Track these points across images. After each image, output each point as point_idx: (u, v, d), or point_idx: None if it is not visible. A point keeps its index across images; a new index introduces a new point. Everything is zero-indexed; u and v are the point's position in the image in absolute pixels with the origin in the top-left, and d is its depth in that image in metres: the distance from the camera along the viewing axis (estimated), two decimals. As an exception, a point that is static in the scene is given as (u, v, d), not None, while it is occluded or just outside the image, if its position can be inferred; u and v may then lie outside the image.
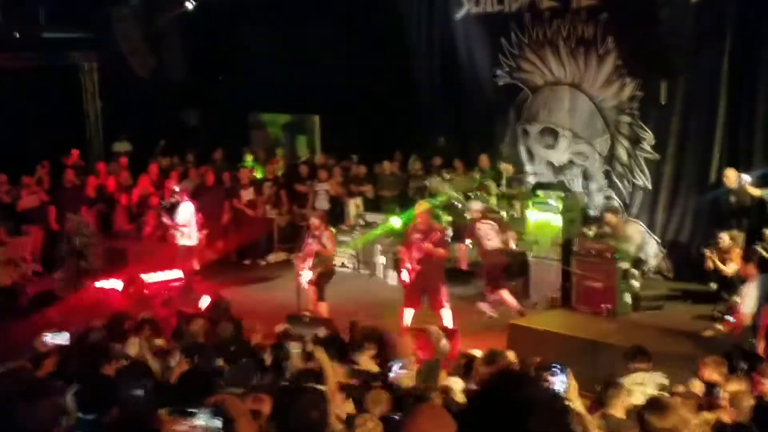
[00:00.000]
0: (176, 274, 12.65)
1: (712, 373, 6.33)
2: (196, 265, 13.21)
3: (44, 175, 14.78)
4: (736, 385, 5.92)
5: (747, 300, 7.98)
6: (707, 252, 10.28)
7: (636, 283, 11.02)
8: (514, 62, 14.03)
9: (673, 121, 12.13)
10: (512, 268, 11.63)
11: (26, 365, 5.85)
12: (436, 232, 10.24)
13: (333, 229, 11.67)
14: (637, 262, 11.71)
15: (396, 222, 12.53)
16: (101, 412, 4.40)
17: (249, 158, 15.99)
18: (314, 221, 10.93)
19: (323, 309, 10.57)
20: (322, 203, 14.53)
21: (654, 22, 11.12)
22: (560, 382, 4.77)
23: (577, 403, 4.84)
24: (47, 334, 6.39)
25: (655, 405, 4.99)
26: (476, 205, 11.28)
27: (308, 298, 10.65)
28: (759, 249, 9.20)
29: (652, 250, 12.46)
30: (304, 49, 16.27)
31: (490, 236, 10.91)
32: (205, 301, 10.23)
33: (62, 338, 6.30)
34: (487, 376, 6.20)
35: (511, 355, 7.13)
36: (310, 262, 10.65)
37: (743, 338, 7.99)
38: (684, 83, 11.89)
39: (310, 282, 10.66)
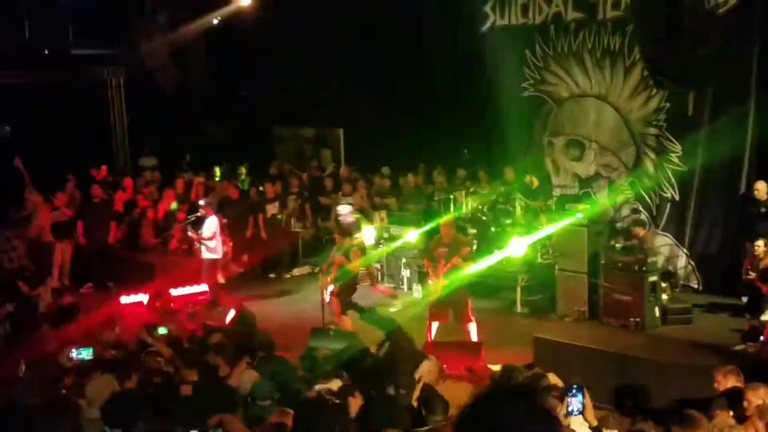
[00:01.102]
0: (202, 287, 12.71)
1: (726, 381, 6.22)
2: (222, 279, 13.27)
3: (72, 190, 14.90)
4: (762, 396, 5.81)
5: None
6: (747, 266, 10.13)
7: (664, 296, 10.87)
8: (539, 74, 13.98)
9: (700, 132, 11.99)
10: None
11: (49, 379, 5.89)
12: (464, 245, 10.21)
13: (357, 243, 11.67)
14: (666, 275, 11.58)
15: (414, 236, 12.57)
16: (127, 427, 4.40)
17: (217, 171, 16.29)
18: (339, 234, 10.98)
19: (347, 322, 10.55)
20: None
21: (681, 32, 11.03)
22: (577, 402, 4.72)
23: (593, 424, 4.77)
24: (72, 349, 6.42)
25: (682, 418, 4.92)
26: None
27: (331, 311, 10.66)
28: None
29: (681, 263, 12.31)
30: (327, 62, 16.33)
31: None
32: (230, 315, 10.26)
33: (87, 354, 6.33)
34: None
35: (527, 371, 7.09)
36: (333, 274, 10.65)
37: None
38: (711, 94, 11.76)
39: (333, 294, 10.66)
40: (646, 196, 12.75)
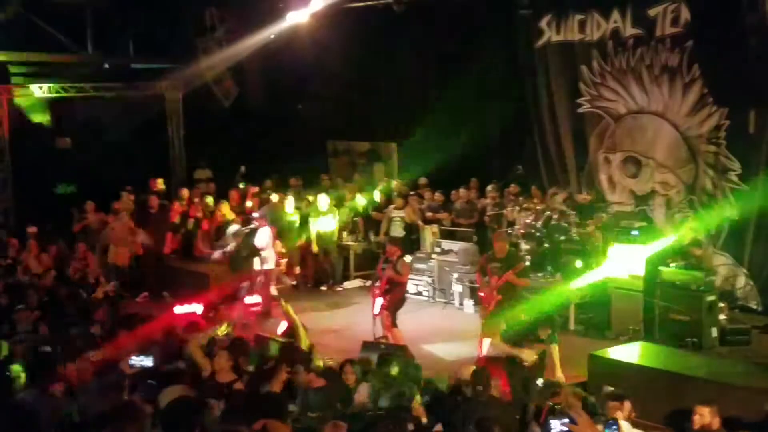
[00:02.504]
0: (254, 299, 12.83)
1: None
2: (274, 291, 13.37)
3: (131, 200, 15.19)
4: None
5: None
6: None
7: (722, 317, 10.66)
8: (595, 90, 13.87)
9: (762, 151, 11.78)
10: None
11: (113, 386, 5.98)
12: (517, 260, 10.14)
13: (408, 257, 11.67)
14: (724, 295, 11.36)
15: None
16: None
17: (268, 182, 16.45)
18: (390, 248, 10.99)
19: (399, 335, 10.55)
20: (397, 230, 14.54)
21: (741, 50, 10.85)
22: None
23: None
24: (133, 356, 6.52)
25: None
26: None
27: (382, 324, 10.66)
28: None
29: (740, 283, 12.07)
30: (381, 77, 16.42)
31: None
32: (282, 326, 10.31)
33: (148, 361, 6.42)
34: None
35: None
36: (383, 287, 10.67)
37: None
38: (773, 112, 11.56)
39: (383, 307, 10.67)
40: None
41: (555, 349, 9.23)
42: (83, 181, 16.50)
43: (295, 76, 17.58)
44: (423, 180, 15.57)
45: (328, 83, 16.99)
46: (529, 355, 8.36)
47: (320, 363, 8.20)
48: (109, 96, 16.94)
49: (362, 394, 6.78)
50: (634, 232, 11.14)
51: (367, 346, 9.64)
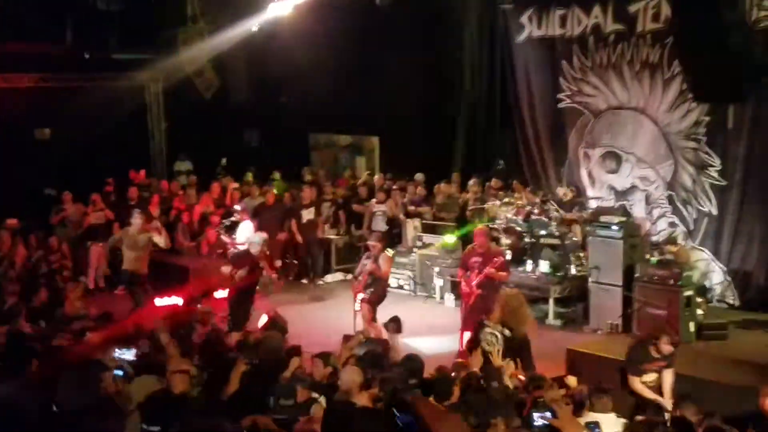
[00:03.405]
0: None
1: None
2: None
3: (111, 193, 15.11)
4: None
5: None
6: None
7: (700, 312, 10.76)
8: (576, 86, 13.93)
9: (740, 147, 11.89)
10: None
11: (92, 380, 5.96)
12: (498, 256, 10.18)
13: (390, 251, 11.69)
14: (701, 290, 11.46)
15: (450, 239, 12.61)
16: (165, 425, 4.46)
17: (249, 175, 16.41)
18: (372, 242, 11.01)
19: (379, 329, 10.56)
20: (379, 224, 14.57)
21: (721, 46, 10.93)
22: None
23: None
24: (116, 350, 6.50)
25: None
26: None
27: (363, 318, 10.67)
28: None
29: (717, 278, 12.19)
30: (363, 71, 16.41)
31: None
32: (262, 320, 10.30)
33: (130, 354, 6.41)
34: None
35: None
36: (364, 281, 10.68)
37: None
38: (752, 108, 11.66)
39: (364, 301, 10.69)
40: (683, 210, 12.64)
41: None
42: (62, 172, 16.37)
43: (277, 69, 17.52)
44: (419, 176, 15.54)
45: (310, 76, 16.95)
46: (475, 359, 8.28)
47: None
48: (89, 87, 16.79)
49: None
50: (614, 227, 11.19)
51: (347, 339, 9.64)
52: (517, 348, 8.14)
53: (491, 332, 8.04)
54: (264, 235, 11.55)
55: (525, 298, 8.81)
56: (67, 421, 4.08)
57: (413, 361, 6.89)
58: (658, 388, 7.82)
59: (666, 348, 7.75)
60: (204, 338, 8.41)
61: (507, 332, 8.02)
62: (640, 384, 7.80)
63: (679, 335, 8.25)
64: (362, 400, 5.53)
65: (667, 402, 7.62)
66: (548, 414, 4.90)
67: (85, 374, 6.11)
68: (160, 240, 11.72)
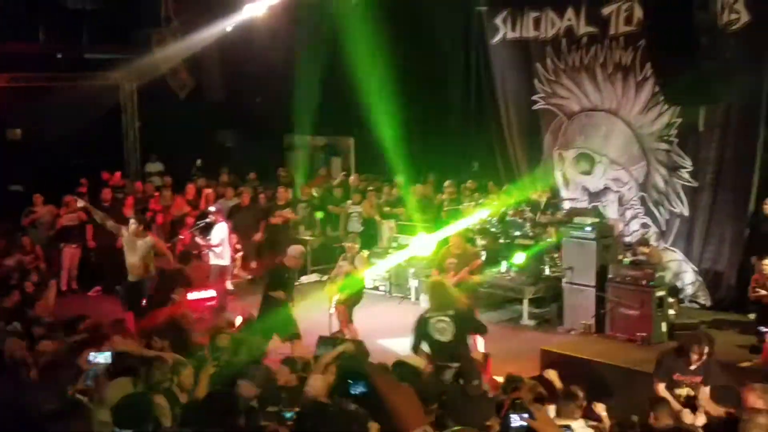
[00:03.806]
0: (209, 293, 12.74)
1: (757, 400, 6.18)
2: (230, 285, 13.30)
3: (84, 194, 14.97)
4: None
5: None
6: (753, 283, 10.13)
7: (672, 312, 10.88)
8: (549, 88, 14.02)
9: (711, 149, 12.03)
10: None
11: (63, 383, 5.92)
12: (473, 257, 10.22)
13: (366, 252, 11.70)
14: (673, 290, 11.59)
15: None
16: (137, 428, 4.43)
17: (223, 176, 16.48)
18: (349, 244, 11.02)
19: (355, 330, 10.57)
20: (355, 225, 14.57)
21: (693, 49, 11.05)
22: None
23: None
24: (92, 353, 6.45)
25: None
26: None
27: (338, 319, 10.68)
28: None
29: (689, 278, 12.32)
30: (339, 72, 16.39)
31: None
32: (237, 321, 10.27)
33: (105, 357, 6.36)
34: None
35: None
36: (340, 282, 10.69)
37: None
38: (723, 110, 11.80)
39: (339, 302, 10.69)
40: (656, 211, 12.76)
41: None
42: (34, 173, 16.22)
43: (251, 69, 17.46)
44: (399, 179, 15.55)
45: (285, 76, 16.91)
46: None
47: None
48: (61, 86, 16.64)
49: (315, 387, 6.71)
50: (588, 229, 11.27)
51: (323, 341, 9.64)
52: (469, 321, 8.29)
53: (438, 320, 8.07)
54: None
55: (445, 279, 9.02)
56: (34, 425, 4.04)
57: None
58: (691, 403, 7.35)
59: (695, 358, 7.28)
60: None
61: (450, 312, 8.07)
62: (664, 390, 7.43)
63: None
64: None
65: (694, 418, 7.05)
66: (526, 415, 4.93)
67: (53, 378, 6.10)
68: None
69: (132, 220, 11.27)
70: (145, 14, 16.95)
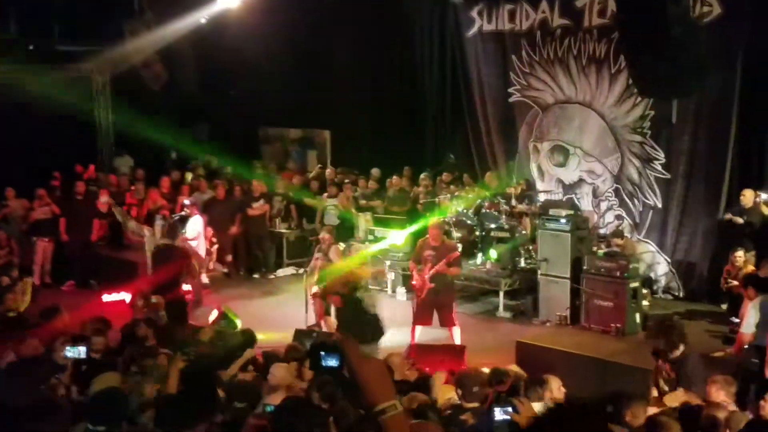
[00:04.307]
0: (185, 287, 12.66)
1: (718, 392, 6.27)
2: (205, 279, 13.24)
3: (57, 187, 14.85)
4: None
5: (745, 320, 8.03)
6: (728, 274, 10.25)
7: (645, 303, 10.98)
8: (525, 80, 14.06)
9: (684, 141, 12.13)
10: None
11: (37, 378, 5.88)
12: (451, 249, 10.23)
13: (342, 244, 11.69)
14: (647, 281, 11.69)
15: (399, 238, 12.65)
16: (112, 425, 4.40)
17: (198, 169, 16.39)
18: (323, 235, 11.01)
19: (331, 323, 10.57)
20: (331, 218, 14.55)
21: (665, 41, 11.12)
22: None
23: None
24: (67, 347, 6.41)
25: (652, 424, 4.99)
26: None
27: (315, 312, 10.68)
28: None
29: (662, 270, 12.43)
30: (314, 64, 16.35)
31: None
32: (213, 315, 10.24)
33: (80, 351, 6.32)
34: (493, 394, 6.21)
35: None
36: (316, 276, 10.69)
37: (744, 359, 7.99)
38: (695, 103, 11.90)
39: (315, 296, 10.69)
40: (630, 203, 12.86)
41: None
42: (5, 165, 16.03)
43: (226, 61, 17.36)
44: (375, 171, 15.54)
45: (260, 69, 16.84)
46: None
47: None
48: (33, 79, 16.45)
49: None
50: (563, 221, 11.34)
51: (299, 334, 9.64)
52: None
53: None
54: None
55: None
56: (7, 420, 4.00)
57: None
58: None
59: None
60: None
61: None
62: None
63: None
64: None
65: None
66: (509, 408, 4.96)
67: (26, 373, 6.04)
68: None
69: (158, 221, 10.91)
70: (119, 6, 16.78)
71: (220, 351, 7.53)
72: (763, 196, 10.81)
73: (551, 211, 11.73)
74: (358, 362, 2.68)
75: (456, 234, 12.67)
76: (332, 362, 4.67)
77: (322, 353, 4.75)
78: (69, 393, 6.04)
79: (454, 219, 12.94)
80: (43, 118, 15.76)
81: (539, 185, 14.05)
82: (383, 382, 2.68)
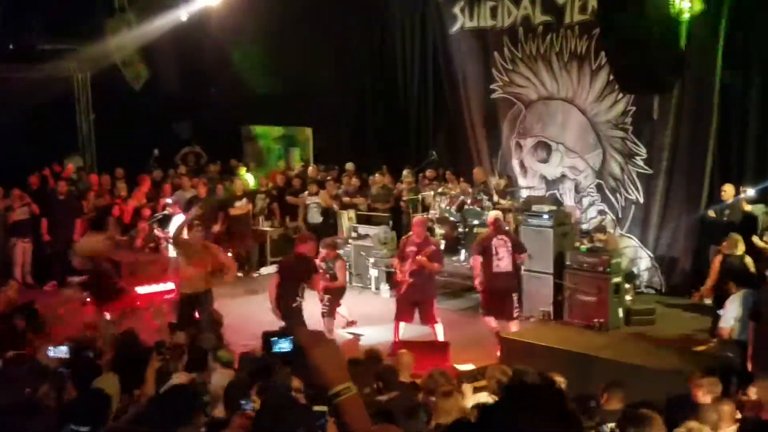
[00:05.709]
0: (168, 286, 12.61)
1: (705, 395, 6.24)
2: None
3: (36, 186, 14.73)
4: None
5: (726, 314, 8.08)
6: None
7: (628, 297, 11.03)
8: (507, 76, 14.09)
9: (665, 136, 12.20)
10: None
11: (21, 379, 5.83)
12: (431, 245, 10.23)
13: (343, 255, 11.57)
14: (629, 276, 11.75)
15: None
16: (95, 425, 4.37)
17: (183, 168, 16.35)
18: (323, 251, 10.71)
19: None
20: (314, 216, 14.53)
21: (645, 38, 11.17)
22: None
23: None
24: (49, 347, 6.36)
25: (636, 418, 5.00)
26: (491, 217, 10.52)
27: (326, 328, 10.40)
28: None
29: (644, 265, 12.50)
30: (297, 62, 16.31)
31: (501, 255, 10.27)
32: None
33: (62, 352, 6.27)
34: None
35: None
36: (325, 298, 10.48)
37: (723, 352, 8.05)
38: (676, 98, 11.96)
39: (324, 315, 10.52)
40: (612, 198, 12.92)
41: None
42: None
43: (207, 59, 17.29)
44: (350, 165, 15.54)
45: (241, 66, 16.78)
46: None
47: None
48: (13, 77, 16.32)
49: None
50: (545, 216, 11.38)
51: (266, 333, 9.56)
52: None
53: None
54: None
55: None
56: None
57: None
58: None
59: None
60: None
61: None
62: None
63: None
64: None
65: None
66: None
67: (11, 373, 5.99)
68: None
69: (196, 227, 10.46)
70: (99, 3, 16.68)
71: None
72: (749, 192, 10.86)
73: (534, 207, 11.77)
74: (310, 345, 2.67)
75: (439, 230, 12.69)
76: (284, 346, 4.64)
77: (274, 338, 4.72)
78: (57, 393, 5.99)
79: (437, 215, 12.95)
80: (23, 117, 15.65)
81: (522, 181, 14.09)
82: (336, 364, 2.67)
